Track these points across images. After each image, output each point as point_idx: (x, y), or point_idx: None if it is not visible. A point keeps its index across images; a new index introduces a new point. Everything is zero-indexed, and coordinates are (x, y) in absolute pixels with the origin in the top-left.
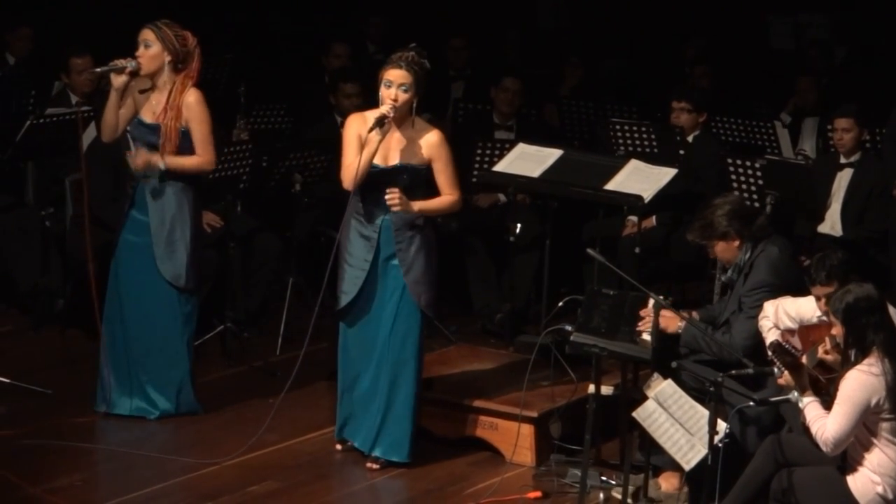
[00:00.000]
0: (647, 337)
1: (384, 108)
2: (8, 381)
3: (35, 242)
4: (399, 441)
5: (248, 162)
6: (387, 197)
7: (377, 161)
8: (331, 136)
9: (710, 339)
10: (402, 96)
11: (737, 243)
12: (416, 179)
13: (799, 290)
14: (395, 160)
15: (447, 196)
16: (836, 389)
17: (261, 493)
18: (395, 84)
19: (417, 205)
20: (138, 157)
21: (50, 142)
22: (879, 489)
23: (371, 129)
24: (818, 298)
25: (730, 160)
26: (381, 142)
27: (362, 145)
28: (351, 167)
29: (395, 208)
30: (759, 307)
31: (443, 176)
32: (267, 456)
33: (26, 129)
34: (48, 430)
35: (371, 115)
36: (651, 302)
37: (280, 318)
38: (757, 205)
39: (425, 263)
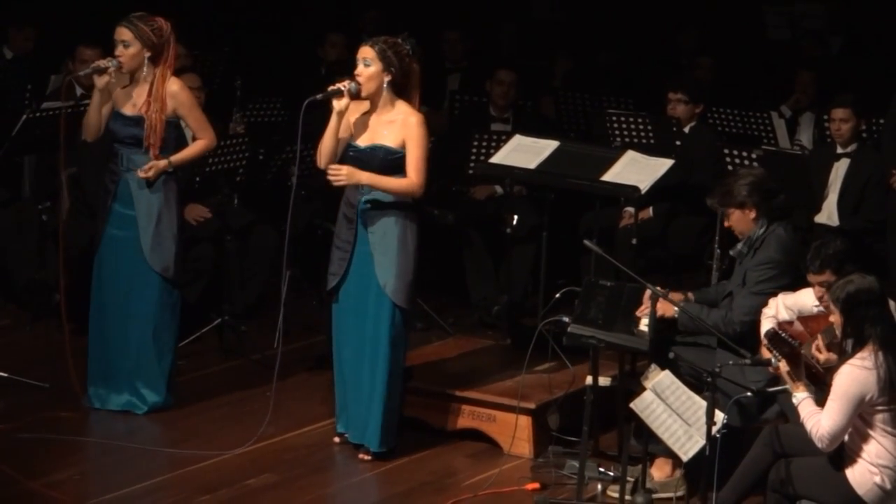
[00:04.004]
0: (644, 327)
1: (341, 83)
2: (5, 375)
3: (32, 237)
4: (373, 430)
5: (244, 155)
6: (329, 173)
7: (356, 141)
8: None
9: (703, 322)
10: (364, 71)
11: (753, 215)
12: (391, 161)
13: (804, 274)
14: (371, 141)
15: (407, 178)
16: (830, 382)
17: (259, 486)
18: (359, 60)
19: (367, 176)
20: (150, 170)
21: (46, 136)
22: (877, 479)
23: (313, 97)
24: (813, 286)
25: (726, 151)
26: (340, 115)
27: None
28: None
29: (337, 182)
30: (764, 283)
31: (410, 156)
32: (265, 449)
33: (22, 123)
34: (46, 425)
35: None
36: (648, 292)
37: (277, 311)
38: None
39: (397, 250)
